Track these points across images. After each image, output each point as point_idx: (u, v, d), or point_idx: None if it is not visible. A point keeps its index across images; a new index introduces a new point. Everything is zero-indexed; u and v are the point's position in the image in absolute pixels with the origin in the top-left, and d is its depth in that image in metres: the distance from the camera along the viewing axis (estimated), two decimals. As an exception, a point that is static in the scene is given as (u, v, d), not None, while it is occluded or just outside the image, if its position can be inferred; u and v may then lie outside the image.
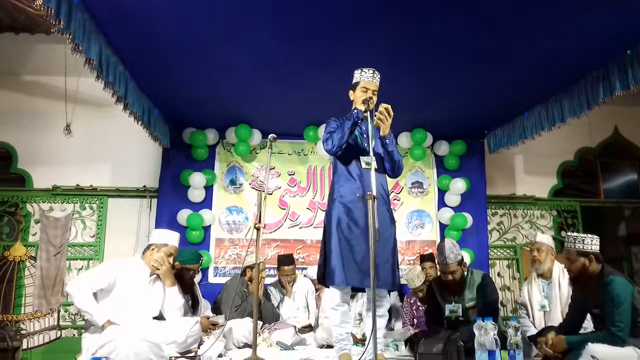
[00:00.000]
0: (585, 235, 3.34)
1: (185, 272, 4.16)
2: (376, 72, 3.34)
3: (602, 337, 3.12)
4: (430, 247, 5.86)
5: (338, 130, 3.27)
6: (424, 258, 5.21)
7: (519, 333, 3.18)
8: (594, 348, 3.05)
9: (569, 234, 3.46)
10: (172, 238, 3.85)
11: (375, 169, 3.00)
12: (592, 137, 6.87)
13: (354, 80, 3.40)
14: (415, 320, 4.81)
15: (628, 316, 3.09)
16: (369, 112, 3.21)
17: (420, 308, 4.78)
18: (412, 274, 4.80)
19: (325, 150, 3.35)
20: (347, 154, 3.34)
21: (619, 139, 6.95)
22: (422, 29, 3.71)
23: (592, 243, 3.30)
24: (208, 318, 4.13)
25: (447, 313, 3.89)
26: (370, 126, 3.22)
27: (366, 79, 3.33)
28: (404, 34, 3.78)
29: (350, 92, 3.43)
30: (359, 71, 3.37)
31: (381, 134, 3.27)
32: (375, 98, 3.31)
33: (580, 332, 3.46)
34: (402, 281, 4.99)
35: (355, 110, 3.25)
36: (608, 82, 4.16)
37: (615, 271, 3.28)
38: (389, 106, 3.19)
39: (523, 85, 4.62)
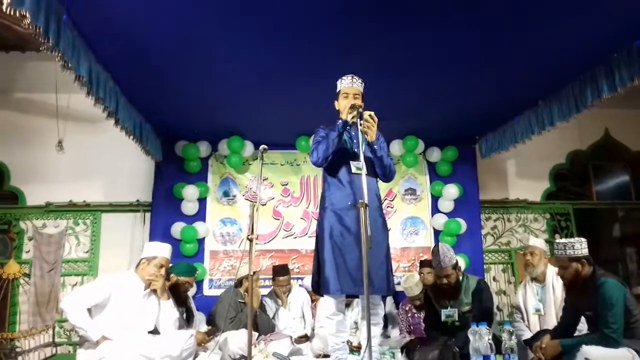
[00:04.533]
0: (574, 240, 3.36)
1: (180, 285, 4.15)
2: (355, 77, 3.38)
3: (596, 339, 3.13)
4: (425, 254, 5.86)
5: (323, 141, 3.28)
6: (423, 264, 5.19)
7: (513, 337, 3.19)
8: (588, 350, 3.07)
9: (557, 241, 3.47)
10: (161, 250, 3.84)
11: (365, 174, 2.98)
12: (583, 139, 6.90)
13: (337, 90, 3.44)
14: (411, 327, 4.80)
15: (621, 317, 3.11)
16: (357, 117, 3.18)
17: (416, 315, 4.78)
18: (410, 282, 4.75)
19: (311, 162, 3.36)
20: (337, 160, 3.33)
21: (609, 141, 6.96)
22: (410, 36, 3.74)
23: (581, 247, 3.33)
24: (207, 334, 4.11)
25: (443, 318, 3.89)
26: (359, 131, 3.22)
27: (345, 85, 3.38)
28: (393, 41, 3.80)
29: (335, 102, 3.46)
30: (339, 80, 3.42)
31: (369, 140, 3.26)
32: (359, 102, 3.31)
33: (574, 334, 3.47)
34: (398, 288, 4.98)
35: (340, 121, 3.25)
36: (596, 85, 4.19)
37: (606, 273, 3.30)
38: (373, 113, 3.22)
39: (512, 89, 4.65)
